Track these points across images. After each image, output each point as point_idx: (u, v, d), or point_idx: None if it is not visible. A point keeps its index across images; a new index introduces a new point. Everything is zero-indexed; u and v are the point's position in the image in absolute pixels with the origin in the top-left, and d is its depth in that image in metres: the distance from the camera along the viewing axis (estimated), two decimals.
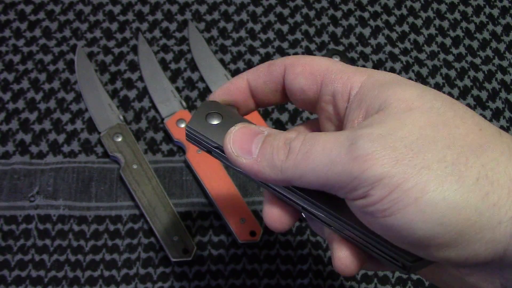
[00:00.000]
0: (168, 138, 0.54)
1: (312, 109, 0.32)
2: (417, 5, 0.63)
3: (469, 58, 0.60)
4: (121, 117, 0.54)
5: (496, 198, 0.23)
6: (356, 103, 0.28)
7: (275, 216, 0.30)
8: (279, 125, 0.56)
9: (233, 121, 0.31)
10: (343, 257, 0.28)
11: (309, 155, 0.26)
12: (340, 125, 0.30)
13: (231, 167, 0.32)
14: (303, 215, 0.32)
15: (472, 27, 0.62)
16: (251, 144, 0.28)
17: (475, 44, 0.61)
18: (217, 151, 0.31)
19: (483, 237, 0.23)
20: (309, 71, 0.31)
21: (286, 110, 0.56)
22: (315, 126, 0.34)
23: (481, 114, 0.57)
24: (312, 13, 0.61)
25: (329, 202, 0.28)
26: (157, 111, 0.55)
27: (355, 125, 0.28)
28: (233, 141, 0.29)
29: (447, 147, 0.24)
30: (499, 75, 0.59)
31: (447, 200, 0.23)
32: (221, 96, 0.34)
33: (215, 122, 0.31)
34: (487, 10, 0.63)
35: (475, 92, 0.58)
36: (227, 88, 0.33)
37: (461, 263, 0.24)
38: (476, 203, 0.23)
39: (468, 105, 0.57)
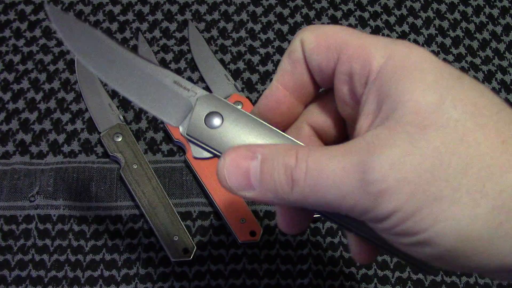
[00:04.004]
0: (168, 138, 0.54)
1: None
2: (417, 5, 0.63)
3: (469, 58, 0.60)
4: (121, 117, 0.54)
5: (510, 227, 0.23)
6: (372, 96, 0.26)
7: (289, 219, 0.29)
8: None
9: (235, 122, 0.29)
10: (360, 245, 0.28)
11: (318, 188, 0.25)
12: (356, 108, 0.28)
13: None
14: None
15: (472, 27, 0.62)
16: (249, 177, 0.27)
17: (475, 44, 0.61)
18: None
19: (491, 262, 0.23)
20: (324, 45, 0.28)
21: None
22: (329, 105, 0.31)
23: None
24: (312, 13, 0.61)
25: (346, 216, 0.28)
26: None
27: (366, 128, 0.26)
28: (228, 178, 0.27)
29: (462, 174, 0.23)
30: (499, 75, 0.59)
31: (458, 230, 0.23)
32: (262, 115, 0.31)
33: (216, 124, 0.29)
34: (487, 10, 0.63)
35: None
36: (266, 105, 0.30)
37: (490, 272, 0.25)
38: (488, 232, 0.23)
39: None
